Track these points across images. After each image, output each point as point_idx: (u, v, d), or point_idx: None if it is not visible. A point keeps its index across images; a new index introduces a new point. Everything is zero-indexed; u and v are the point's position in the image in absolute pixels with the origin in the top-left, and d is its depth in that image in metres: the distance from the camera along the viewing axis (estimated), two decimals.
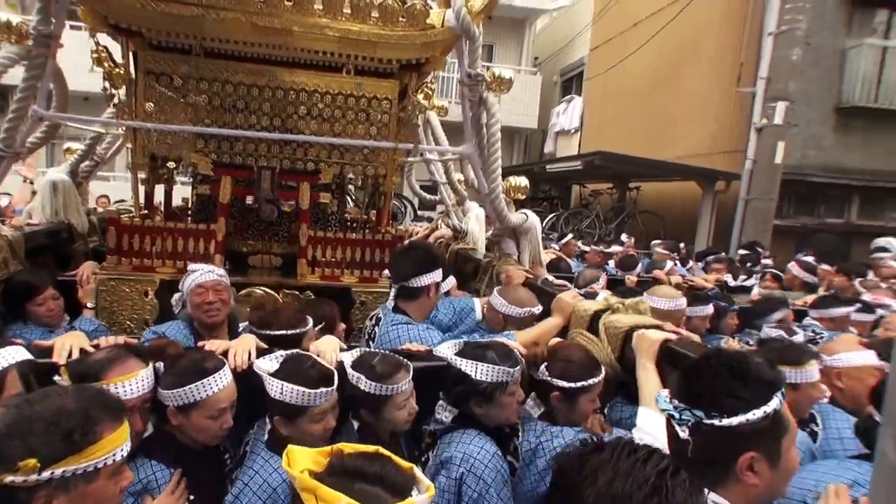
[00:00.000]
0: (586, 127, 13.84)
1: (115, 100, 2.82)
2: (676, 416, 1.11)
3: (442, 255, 2.93)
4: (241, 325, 2.24)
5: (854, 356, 2.02)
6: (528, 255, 3.00)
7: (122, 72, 2.81)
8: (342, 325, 2.39)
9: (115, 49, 2.92)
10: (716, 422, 1.06)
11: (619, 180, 10.51)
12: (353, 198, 6.86)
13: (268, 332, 1.93)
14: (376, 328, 2.28)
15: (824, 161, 8.35)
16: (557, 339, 2.05)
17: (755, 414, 1.04)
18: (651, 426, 1.40)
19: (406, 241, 3.66)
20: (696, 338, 1.90)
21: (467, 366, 1.62)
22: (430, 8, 2.66)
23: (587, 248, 7.01)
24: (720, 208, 8.28)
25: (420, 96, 3.15)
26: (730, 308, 3.42)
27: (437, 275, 2.29)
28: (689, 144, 9.33)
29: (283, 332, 1.93)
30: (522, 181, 3.05)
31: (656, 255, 6.59)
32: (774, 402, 1.06)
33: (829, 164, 8.37)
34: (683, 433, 1.09)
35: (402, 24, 2.61)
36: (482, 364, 1.60)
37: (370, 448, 1.00)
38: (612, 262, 5.92)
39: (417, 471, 0.96)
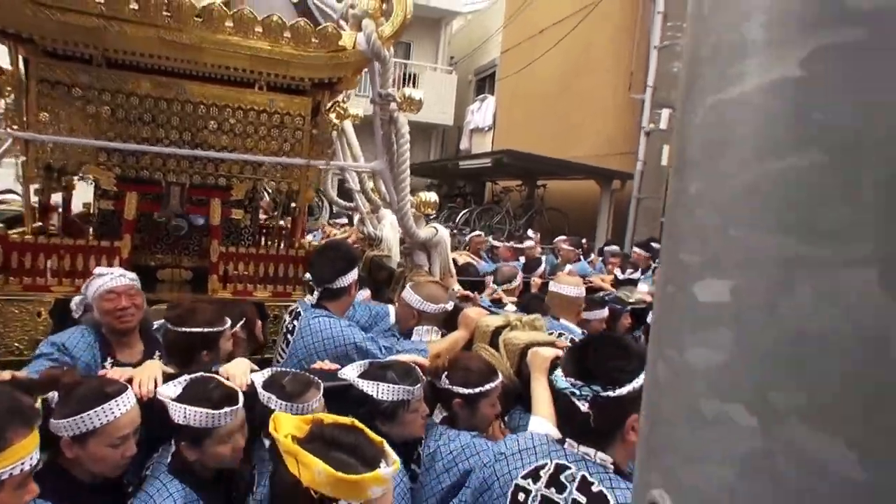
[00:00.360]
0: (499, 125, 14.32)
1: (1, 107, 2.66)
2: (577, 392, 1.27)
3: (358, 253, 3.00)
4: (157, 324, 2.23)
5: None
6: (439, 267, 3.11)
7: (9, 78, 2.64)
8: (259, 323, 2.42)
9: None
10: (611, 393, 1.24)
11: (527, 178, 11.01)
12: (269, 191, 6.72)
13: (184, 328, 1.93)
14: (296, 322, 2.30)
15: None
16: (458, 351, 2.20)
17: (638, 382, 1.24)
18: (541, 430, 1.58)
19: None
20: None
21: (369, 387, 1.69)
22: (343, 30, 2.72)
23: (498, 244, 7.36)
24: (617, 206, 8.95)
25: (332, 115, 3.18)
26: (624, 310, 3.75)
27: (355, 273, 2.37)
28: (589, 146, 9.96)
29: (200, 329, 1.93)
30: (432, 197, 3.16)
31: (562, 252, 7.07)
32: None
33: None
34: (584, 407, 1.26)
35: (315, 45, 2.64)
36: (383, 384, 1.68)
37: (346, 420, 1.10)
38: (522, 259, 6.28)
39: (386, 445, 1.05)
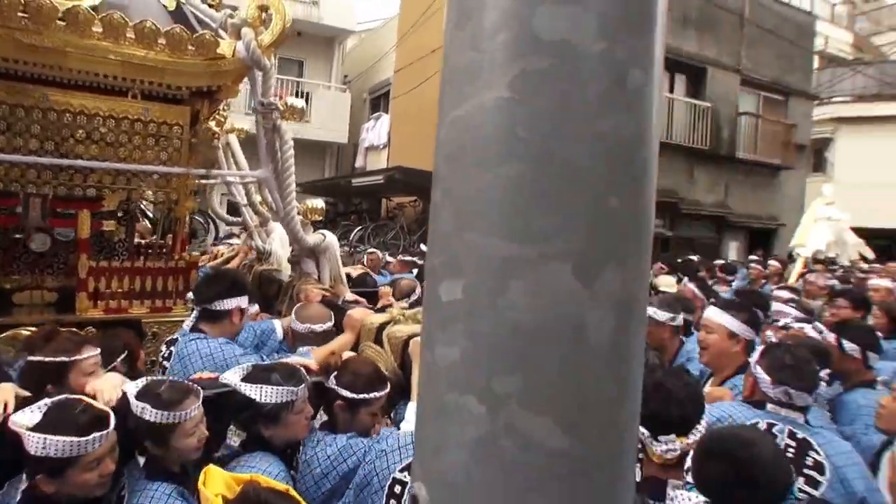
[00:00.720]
0: (393, 143, 14.48)
1: None
2: None
3: (248, 281, 2.92)
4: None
5: None
6: (329, 274, 3.09)
7: None
8: (143, 355, 2.29)
9: None
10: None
11: (422, 194, 11.24)
12: (150, 216, 6.29)
13: (34, 357, 1.77)
14: (172, 348, 2.22)
15: None
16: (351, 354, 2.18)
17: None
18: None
19: (207, 265, 3.50)
20: None
21: (252, 390, 1.65)
22: (221, 38, 2.68)
23: (391, 260, 7.40)
24: None
25: (212, 123, 3.10)
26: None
27: (242, 300, 2.29)
28: None
29: (52, 358, 1.76)
30: (319, 203, 3.15)
31: None
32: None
33: None
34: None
35: (192, 53, 2.59)
36: (266, 386, 1.65)
37: (282, 486, 1.06)
38: (415, 271, 6.35)
39: None
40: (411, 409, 1.73)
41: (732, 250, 12.20)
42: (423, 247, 8.17)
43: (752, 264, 7.95)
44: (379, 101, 16.10)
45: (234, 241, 7.06)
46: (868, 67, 16.01)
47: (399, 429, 1.79)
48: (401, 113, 14.19)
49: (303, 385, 1.71)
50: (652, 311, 2.88)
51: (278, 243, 3.64)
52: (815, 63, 14.87)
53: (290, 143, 2.81)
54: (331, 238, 3.13)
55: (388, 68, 14.82)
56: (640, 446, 1.43)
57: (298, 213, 2.96)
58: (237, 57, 2.58)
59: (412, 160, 12.46)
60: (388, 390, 1.88)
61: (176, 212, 3.00)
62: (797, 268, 7.58)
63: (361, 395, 1.79)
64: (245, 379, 1.71)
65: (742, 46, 11.81)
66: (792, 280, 6.86)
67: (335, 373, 1.89)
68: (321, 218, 3.14)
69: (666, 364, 2.70)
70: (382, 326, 2.24)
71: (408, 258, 6.87)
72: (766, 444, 1.38)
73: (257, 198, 3.76)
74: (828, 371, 2.28)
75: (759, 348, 2.07)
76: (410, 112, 13.59)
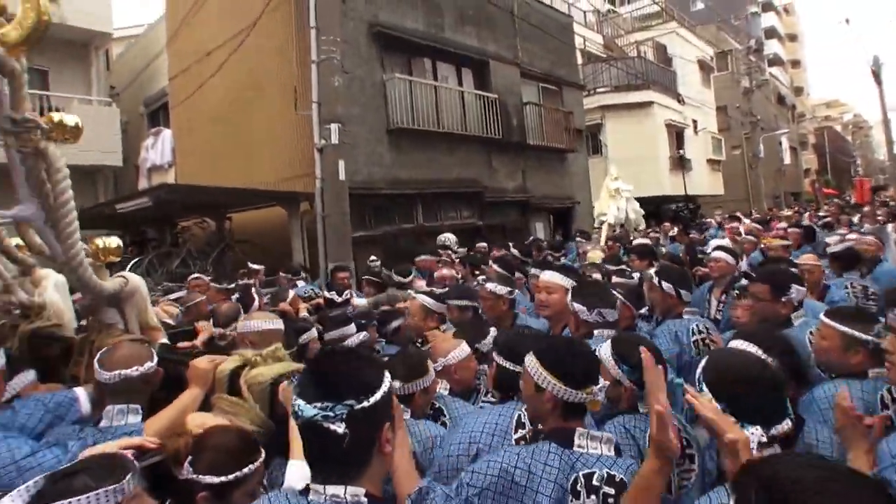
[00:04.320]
0: (179, 159, 12.19)
1: None
2: (331, 414, 1.07)
3: None
4: None
5: (458, 351, 2.18)
6: (136, 323, 2.49)
7: None
8: None
9: None
10: (365, 403, 1.10)
11: (213, 213, 9.39)
12: None
13: None
14: None
15: (387, 175, 9.15)
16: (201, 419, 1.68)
17: (385, 385, 1.15)
18: (299, 480, 1.26)
19: None
20: None
21: None
22: None
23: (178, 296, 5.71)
24: (310, 228, 8.09)
25: None
26: (370, 323, 3.49)
27: None
28: (274, 170, 8.93)
29: None
30: (113, 241, 2.44)
31: (278, 281, 6.12)
32: (388, 376, 1.19)
33: (393, 178, 9.23)
34: (340, 428, 1.07)
35: None
36: (68, 501, 1.03)
37: None
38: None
39: None
40: (294, 469, 1.37)
41: (539, 231, 12.40)
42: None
43: (579, 239, 8.58)
44: (157, 114, 13.53)
45: None
46: (618, 62, 17.82)
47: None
48: (183, 125, 11.94)
49: (129, 476, 1.10)
50: (492, 286, 3.21)
51: (52, 290, 2.68)
52: (580, 59, 16.05)
53: (65, 171, 2.12)
54: (135, 280, 2.52)
55: (163, 76, 12.44)
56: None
57: (87, 256, 2.29)
58: None
59: (202, 176, 10.47)
60: (263, 456, 1.51)
61: None
62: (604, 233, 8.74)
63: (233, 475, 1.43)
64: (41, 496, 1.04)
65: (517, 41, 11.99)
66: (602, 243, 7.82)
67: (189, 458, 1.45)
68: (118, 258, 2.49)
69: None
70: (236, 373, 1.82)
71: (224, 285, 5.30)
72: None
73: (13, 241, 2.64)
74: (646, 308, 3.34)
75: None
76: (194, 122, 11.46)
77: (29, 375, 2.05)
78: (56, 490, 1.05)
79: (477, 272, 5.50)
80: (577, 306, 2.49)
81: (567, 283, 2.80)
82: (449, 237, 8.99)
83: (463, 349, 2.20)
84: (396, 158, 9.30)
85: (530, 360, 1.53)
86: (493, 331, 2.55)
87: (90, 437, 1.65)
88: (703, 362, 1.57)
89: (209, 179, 9.72)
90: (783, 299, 2.58)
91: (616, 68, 17.51)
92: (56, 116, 2.08)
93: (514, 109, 11.68)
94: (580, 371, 1.48)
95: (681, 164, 18.88)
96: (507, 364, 1.83)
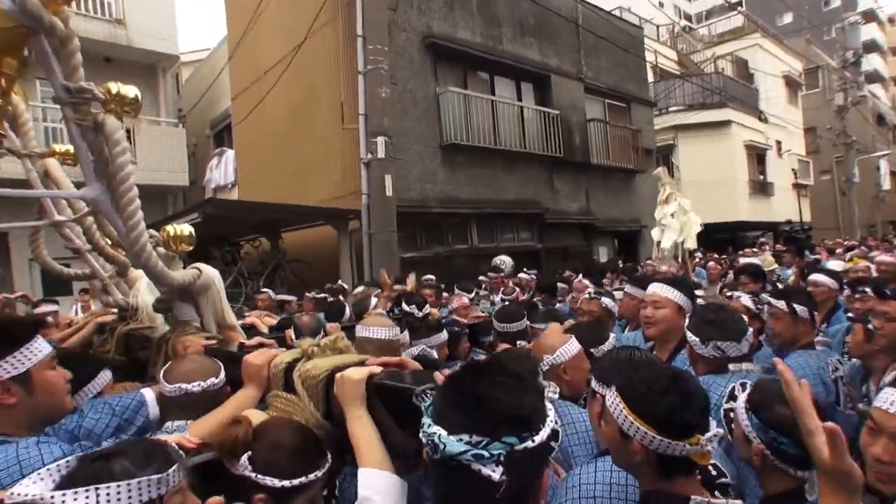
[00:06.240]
0: (241, 179, 12.41)
1: None
2: (485, 454, 0.83)
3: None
4: None
5: (570, 347, 1.96)
6: (213, 319, 2.28)
7: None
8: None
9: None
10: (529, 444, 0.86)
11: (267, 232, 9.30)
12: None
13: None
14: None
15: (440, 193, 8.72)
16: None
17: (551, 419, 0.91)
18: (377, 492, 1.10)
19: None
20: (416, 364, 1.41)
21: (77, 499, 0.88)
22: None
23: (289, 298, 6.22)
24: (358, 247, 7.75)
25: None
26: (462, 331, 3.31)
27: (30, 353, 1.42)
28: (326, 187, 8.75)
29: None
30: (186, 229, 2.22)
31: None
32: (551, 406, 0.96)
33: (446, 196, 8.78)
34: (496, 473, 0.82)
35: None
36: (106, 486, 0.91)
37: None
38: None
39: None
40: (368, 479, 1.14)
41: (603, 255, 11.55)
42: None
43: (649, 262, 8.24)
44: (222, 135, 13.96)
45: (51, 306, 5.14)
46: (693, 78, 16.77)
47: None
48: (244, 143, 12.17)
49: (174, 466, 0.98)
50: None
51: (146, 293, 2.67)
52: (650, 76, 15.19)
53: (125, 146, 1.90)
54: (209, 272, 2.29)
55: (227, 98, 12.81)
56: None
57: (158, 244, 2.17)
58: (2, 10, 1.62)
59: (261, 194, 10.51)
60: (330, 463, 1.32)
61: None
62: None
63: (298, 480, 1.24)
64: (66, 482, 0.92)
65: (581, 54, 11.38)
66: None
67: (247, 452, 1.26)
68: (191, 247, 2.26)
69: None
70: (291, 366, 1.55)
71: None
72: None
73: (107, 240, 2.62)
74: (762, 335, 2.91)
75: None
76: (254, 141, 11.63)
77: (106, 375, 2.00)
78: (90, 471, 0.94)
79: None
80: (691, 336, 2.05)
81: (680, 298, 2.41)
82: (505, 259, 8.41)
83: (573, 345, 1.98)
84: (451, 176, 8.88)
85: (612, 398, 1.18)
86: (612, 337, 2.33)
87: None
88: None
89: (268, 198, 9.68)
90: None
91: (691, 84, 16.46)
92: (114, 87, 1.92)
93: (577, 126, 11.03)
94: (678, 414, 1.11)
95: (761, 188, 17.37)
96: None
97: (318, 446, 1.35)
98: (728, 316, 2.09)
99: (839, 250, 9.76)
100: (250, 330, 3.88)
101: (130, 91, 1.96)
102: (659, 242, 7.56)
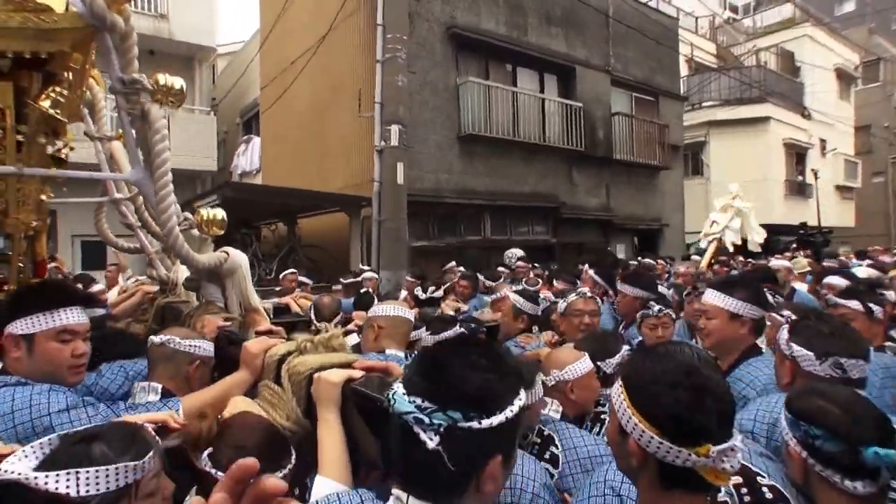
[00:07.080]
0: (266, 166, 12.78)
1: None
2: (425, 418, 0.84)
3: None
4: None
5: (580, 365, 1.92)
6: (237, 301, 2.39)
7: None
8: None
9: None
10: (474, 424, 0.83)
11: (285, 217, 9.58)
12: None
13: None
14: None
15: (456, 184, 8.77)
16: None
17: (511, 410, 0.86)
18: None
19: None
20: (399, 370, 1.40)
21: (59, 481, 0.93)
22: None
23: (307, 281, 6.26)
24: (369, 233, 7.91)
25: (46, 103, 2.19)
26: (478, 329, 3.18)
27: (66, 314, 1.59)
28: (345, 175, 8.93)
29: None
30: (218, 213, 2.33)
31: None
32: (523, 394, 0.90)
33: (461, 187, 8.83)
34: (431, 441, 0.83)
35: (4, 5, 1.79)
36: (84, 470, 0.96)
37: None
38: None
39: None
40: (320, 488, 1.12)
41: (621, 253, 11.38)
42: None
43: (660, 261, 8.15)
44: (250, 123, 14.37)
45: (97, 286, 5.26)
46: (730, 71, 16.20)
47: None
48: (270, 131, 12.52)
49: (150, 453, 1.04)
50: None
51: (185, 270, 2.86)
52: (684, 69, 14.77)
53: (164, 134, 2.11)
54: (236, 256, 2.42)
55: (257, 88, 13.17)
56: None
57: (191, 227, 2.31)
58: (73, 11, 1.87)
59: (283, 180, 10.80)
60: (292, 464, 1.29)
61: (7, 226, 2.21)
62: (709, 252, 7.12)
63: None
64: (45, 465, 0.96)
65: (609, 45, 11.19)
66: (703, 264, 6.79)
67: (208, 449, 1.29)
68: (222, 231, 2.38)
69: None
70: (284, 359, 1.56)
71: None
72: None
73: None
74: None
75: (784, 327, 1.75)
76: (279, 128, 11.95)
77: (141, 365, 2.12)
78: (71, 454, 0.99)
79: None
80: (800, 350, 1.62)
81: (734, 305, 2.10)
82: (516, 252, 8.40)
83: (584, 363, 1.93)
84: (467, 166, 8.93)
85: (616, 388, 1.04)
86: (625, 349, 2.26)
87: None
88: None
89: (290, 184, 9.93)
90: None
91: (729, 77, 15.91)
92: (162, 79, 2.06)
93: (600, 120, 10.88)
94: (686, 413, 0.91)
95: (800, 189, 16.67)
96: None
97: (282, 446, 1.34)
98: (849, 329, 1.73)
99: (883, 257, 8.98)
100: (286, 310, 4.00)
101: (177, 82, 2.11)
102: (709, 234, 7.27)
